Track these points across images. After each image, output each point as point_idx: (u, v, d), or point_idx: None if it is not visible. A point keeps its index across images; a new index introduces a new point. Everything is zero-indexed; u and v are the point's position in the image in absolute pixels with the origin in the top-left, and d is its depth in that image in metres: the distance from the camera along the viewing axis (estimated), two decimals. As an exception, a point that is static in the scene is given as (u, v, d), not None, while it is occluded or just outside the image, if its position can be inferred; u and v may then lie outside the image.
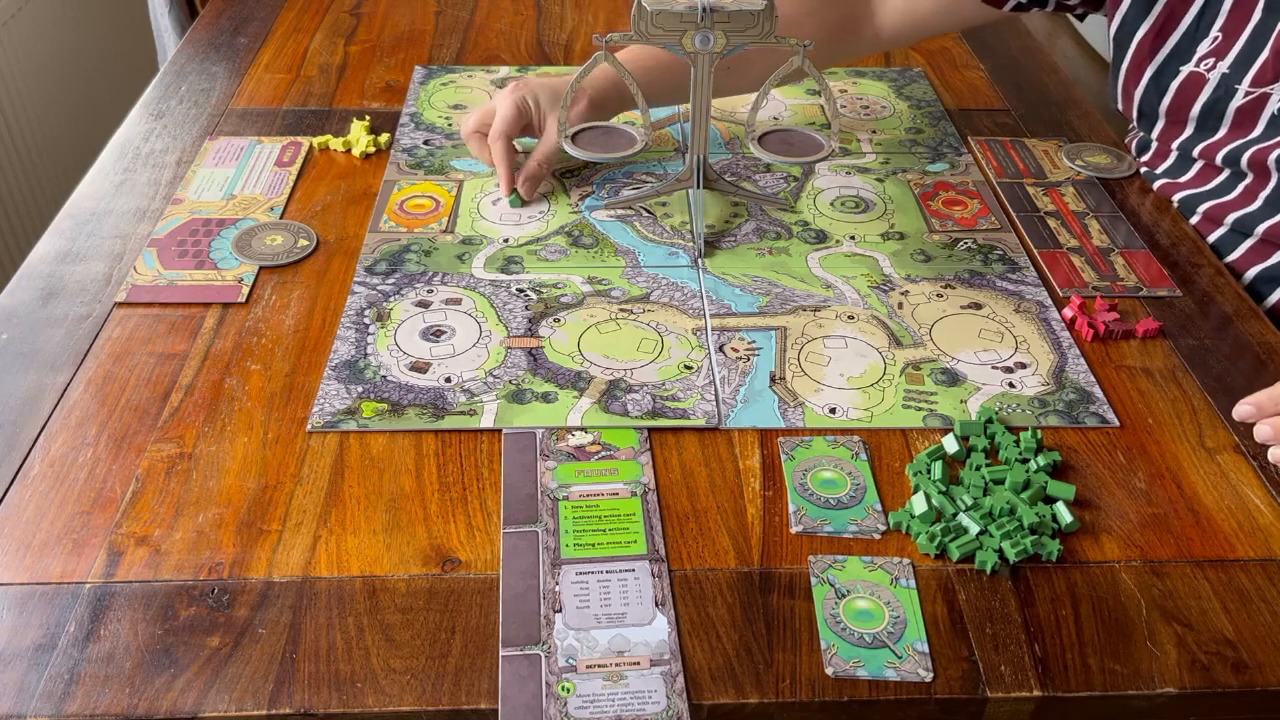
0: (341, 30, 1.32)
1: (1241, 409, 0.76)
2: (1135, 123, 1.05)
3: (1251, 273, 0.94)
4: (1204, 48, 0.94)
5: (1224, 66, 0.93)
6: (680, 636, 0.61)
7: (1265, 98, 0.92)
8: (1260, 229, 0.93)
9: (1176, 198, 1.01)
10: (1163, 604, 0.64)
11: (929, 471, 0.71)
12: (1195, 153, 0.98)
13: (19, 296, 0.87)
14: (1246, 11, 0.92)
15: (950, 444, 0.73)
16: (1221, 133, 0.96)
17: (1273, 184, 0.92)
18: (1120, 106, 1.05)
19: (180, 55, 1.26)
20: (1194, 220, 0.99)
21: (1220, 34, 0.93)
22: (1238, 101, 0.93)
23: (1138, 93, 1.02)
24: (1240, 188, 0.95)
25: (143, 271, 0.89)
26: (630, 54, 0.99)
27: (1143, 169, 1.07)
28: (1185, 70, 0.96)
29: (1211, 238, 0.97)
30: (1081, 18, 1.10)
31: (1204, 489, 0.72)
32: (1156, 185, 1.04)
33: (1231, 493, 0.72)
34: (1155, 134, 1.03)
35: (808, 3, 0.99)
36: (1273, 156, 0.91)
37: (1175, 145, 1.01)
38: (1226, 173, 0.96)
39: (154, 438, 0.74)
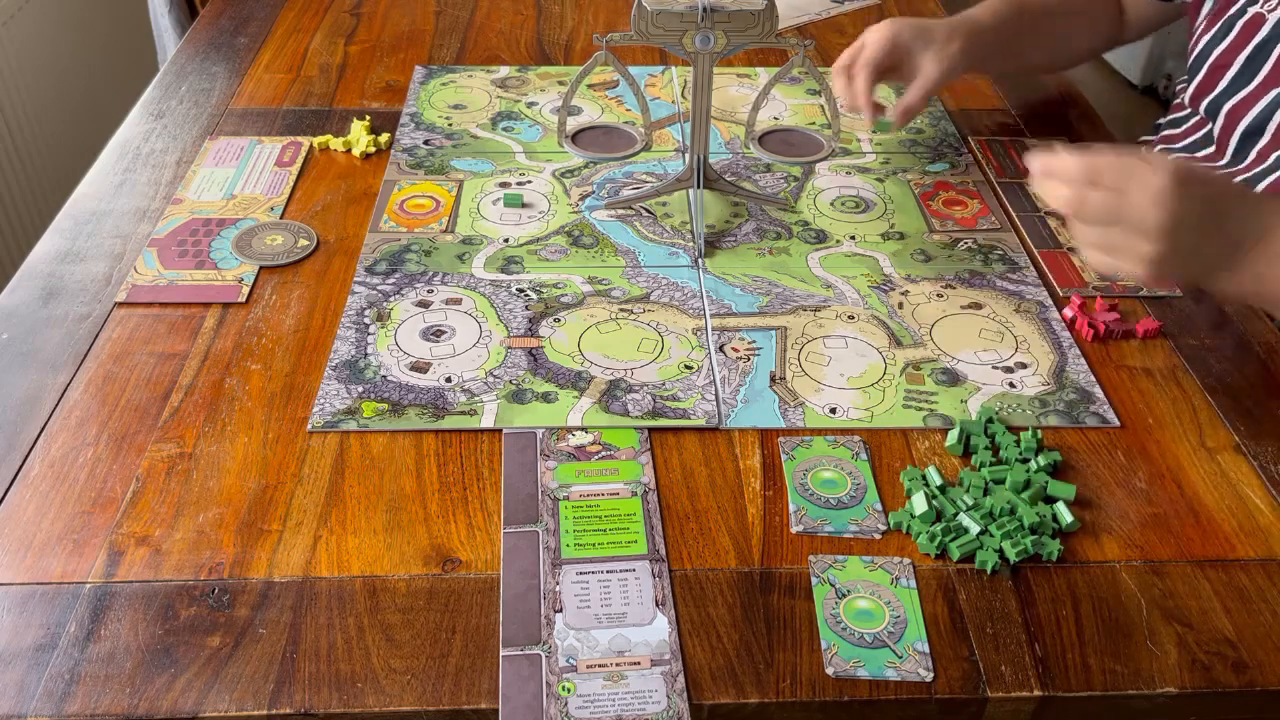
0: (341, 30, 1.32)
1: (1036, 163, 0.72)
2: (1186, 76, 1.07)
3: None
4: None
5: None
6: (680, 636, 0.61)
7: None
8: (1260, 187, 0.93)
9: None
10: (1163, 604, 0.64)
11: (924, 479, 0.71)
12: (1222, 109, 1.00)
13: (19, 296, 0.87)
14: None
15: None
16: (1255, 83, 0.96)
17: None
18: (1190, 60, 1.08)
19: (180, 55, 1.26)
20: None
21: None
22: None
23: (1205, 38, 1.03)
24: (1253, 152, 0.95)
25: (143, 271, 0.89)
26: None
27: (1160, 147, 1.07)
28: (1253, 10, 0.98)
29: None
30: None
31: (1204, 489, 0.72)
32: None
33: (1231, 493, 0.72)
34: (1190, 90, 1.04)
35: None
36: None
37: (1203, 106, 1.02)
38: (1238, 134, 0.97)
39: (154, 438, 0.74)
